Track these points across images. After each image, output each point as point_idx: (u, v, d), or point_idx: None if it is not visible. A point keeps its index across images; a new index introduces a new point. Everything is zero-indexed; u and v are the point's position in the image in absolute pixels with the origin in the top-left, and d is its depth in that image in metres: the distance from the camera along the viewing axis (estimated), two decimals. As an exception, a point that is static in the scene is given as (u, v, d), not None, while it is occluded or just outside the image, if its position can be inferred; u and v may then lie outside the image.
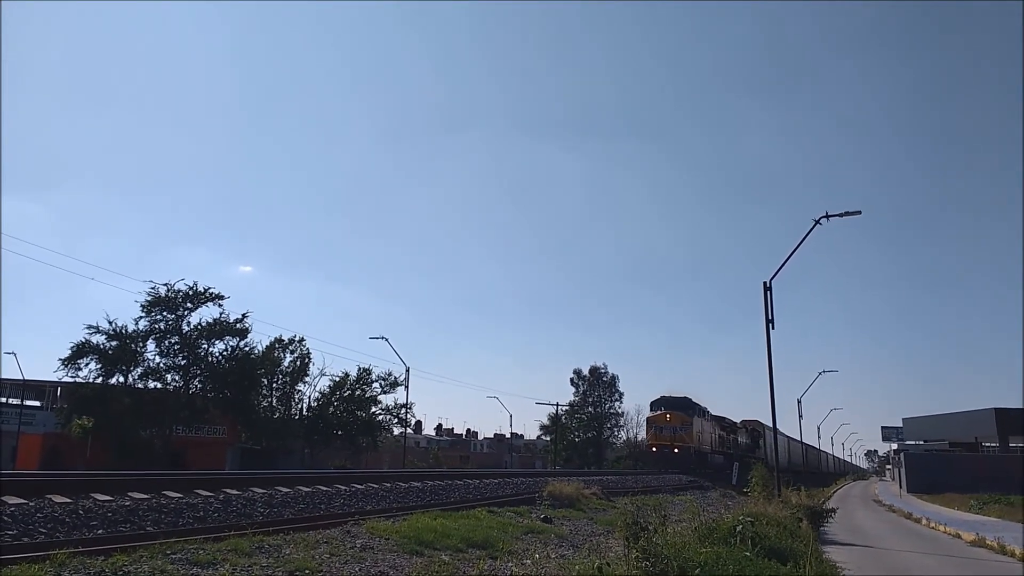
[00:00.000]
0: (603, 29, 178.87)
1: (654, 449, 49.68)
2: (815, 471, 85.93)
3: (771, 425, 53.89)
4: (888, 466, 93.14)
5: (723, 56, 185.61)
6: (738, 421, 65.32)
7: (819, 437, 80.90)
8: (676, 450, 48.18)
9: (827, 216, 21.57)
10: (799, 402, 51.92)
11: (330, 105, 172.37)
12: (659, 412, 51.13)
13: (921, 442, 70.69)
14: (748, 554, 8.95)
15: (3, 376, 44.44)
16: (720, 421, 58.54)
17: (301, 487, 13.08)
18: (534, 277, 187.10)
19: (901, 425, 76.28)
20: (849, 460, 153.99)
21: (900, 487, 51.20)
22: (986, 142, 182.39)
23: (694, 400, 52.13)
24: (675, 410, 50.02)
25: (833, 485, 66.60)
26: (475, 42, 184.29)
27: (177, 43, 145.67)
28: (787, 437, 64.06)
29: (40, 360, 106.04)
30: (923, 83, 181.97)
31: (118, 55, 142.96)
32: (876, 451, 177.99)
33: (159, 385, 37.97)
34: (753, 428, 66.46)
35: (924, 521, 25.25)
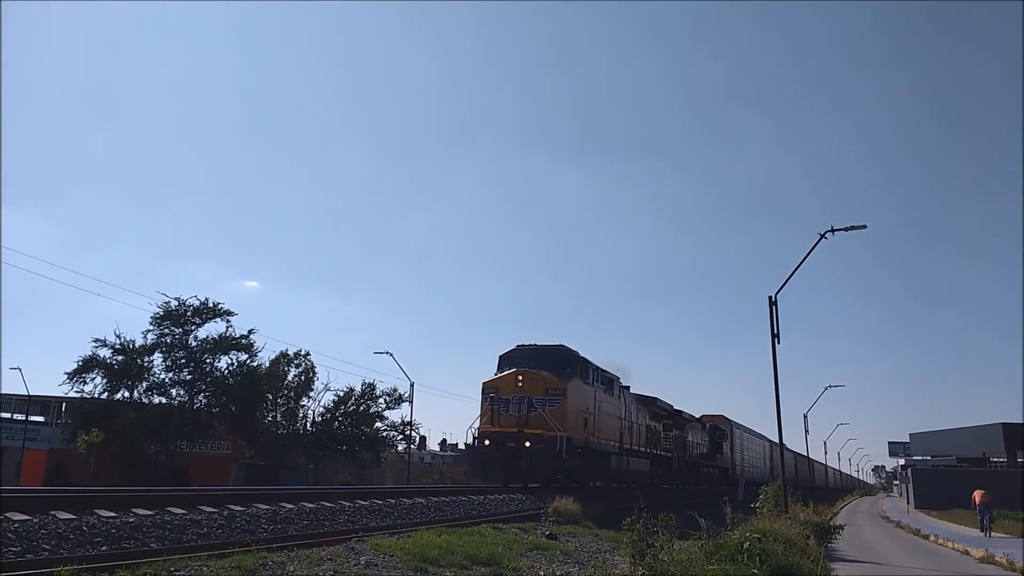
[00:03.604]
0: (609, 45, 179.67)
1: (487, 443, 23.87)
2: (821, 487, 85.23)
3: (737, 422, 52.77)
4: (895, 482, 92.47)
5: (728, 72, 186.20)
6: (698, 415, 46.46)
7: (826, 452, 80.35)
8: (528, 443, 23.24)
9: (832, 230, 21.51)
10: (805, 417, 51.63)
11: (337, 120, 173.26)
12: (505, 373, 24.91)
13: (928, 457, 70.22)
14: (755, 572, 8.88)
15: (8, 392, 44.55)
16: (649, 403, 34.43)
17: (305, 503, 13.02)
18: (539, 291, 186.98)
19: (908, 440, 75.89)
20: (856, 476, 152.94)
21: (908, 503, 50.77)
22: (993, 156, 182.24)
23: (583, 356, 26.33)
24: (537, 367, 24.65)
25: (840, 501, 65.90)
26: (482, 58, 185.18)
27: (183, 57, 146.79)
28: (793, 453, 63.15)
29: (44, 375, 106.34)
30: (928, 99, 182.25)
31: (124, 68, 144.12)
32: (883, 466, 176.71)
33: (164, 400, 37.95)
34: (714, 425, 48.80)
35: (932, 538, 25.04)
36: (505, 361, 25.44)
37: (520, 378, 23.75)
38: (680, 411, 39.59)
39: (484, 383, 24.50)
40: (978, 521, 26.96)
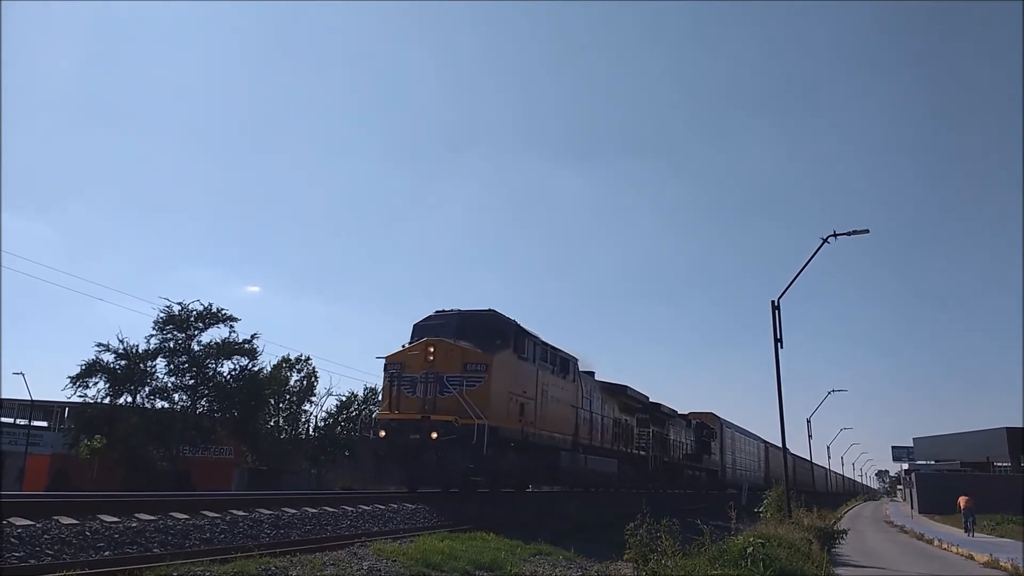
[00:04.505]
0: (609, 48, 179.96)
1: (382, 434, 17.91)
2: (823, 491, 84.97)
3: (728, 421, 51.87)
4: (899, 486, 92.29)
5: (728, 73, 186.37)
6: (685, 412, 42.12)
7: (829, 457, 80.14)
8: (434, 434, 17.05)
9: (835, 235, 21.51)
10: (808, 422, 51.45)
11: (337, 123, 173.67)
12: (415, 344, 19.15)
13: (932, 462, 70.06)
14: (759, 576, 8.86)
15: (11, 396, 44.58)
16: (617, 393, 29.32)
17: (307, 508, 13.00)
18: (539, 293, 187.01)
19: (912, 445, 75.79)
20: (859, 480, 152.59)
21: (911, 507, 50.63)
22: (994, 158, 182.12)
23: (524, 326, 20.75)
24: (457, 337, 18.93)
25: (843, 506, 65.71)
26: (482, 61, 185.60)
27: (185, 59, 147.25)
28: (794, 457, 62.74)
29: (47, 380, 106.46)
30: (929, 100, 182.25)
31: (125, 70, 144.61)
32: (887, 471, 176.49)
33: (166, 405, 37.97)
34: (701, 423, 44.50)
35: (936, 542, 24.98)
36: (419, 331, 19.64)
37: (431, 350, 17.90)
38: (659, 404, 34.47)
39: (386, 358, 18.83)
40: (963, 523, 29.91)
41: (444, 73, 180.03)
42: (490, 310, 20.17)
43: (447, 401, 17.36)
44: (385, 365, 18.84)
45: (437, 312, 20.31)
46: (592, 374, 27.52)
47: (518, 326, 20.21)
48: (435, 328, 19.36)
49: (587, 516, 19.70)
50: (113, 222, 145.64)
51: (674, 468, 37.12)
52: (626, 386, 29.99)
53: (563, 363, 23.29)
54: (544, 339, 22.13)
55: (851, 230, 21.56)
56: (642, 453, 31.59)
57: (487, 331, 19.41)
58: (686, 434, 40.48)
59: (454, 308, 20.19)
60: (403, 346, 19.11)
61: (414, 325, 20.17)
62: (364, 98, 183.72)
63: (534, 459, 20.86)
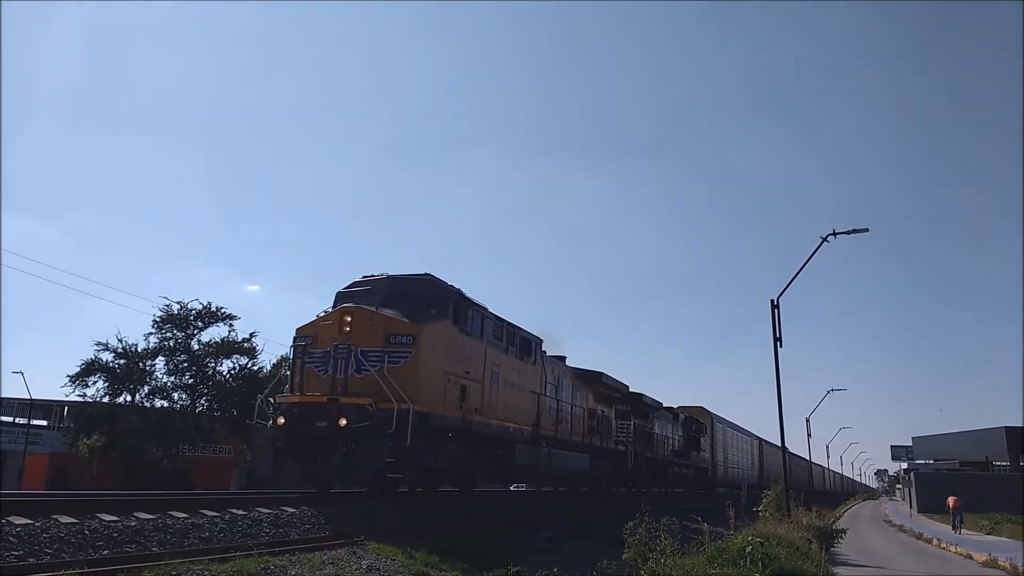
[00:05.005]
0: (619, 48, 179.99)
1: (280, 421, 14.31)
2: (821, 490, 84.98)
3: (720, 416, 51.07)
4: (898, 485, 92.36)
5: (738, 74, 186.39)
6: (673, 405, 39.37)
7: (828, 456, 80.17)
8: (343, 421, 13.52)
9: (834, 234, 21.49)
10: (807, 421, 51.47)
11: (340, 121, 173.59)
12: (330, 312, 15.78)
13: (931, 461, 70.11)
14: (758, 575, 8.86)
15: (10, 395, 44.57)
16: (591, 380, 26.42)
17: (306, 507, 13.00)
18: (549, 291, 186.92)
19: (911, 444, 75.85)
20: (858, 479, 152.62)
21: (910, 507, 50.66)
22: (994, 160, 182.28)
23: (468, 296, 17.24)
24: (379, 305, 15.35)
25: (842, 505, 65.75)
26: (492, 60, 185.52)
27: (187, 59, 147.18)
28: (792, 455, 62.68)
29: (46, 379, 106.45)
30: (936, 99, 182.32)
31: (126, 70, 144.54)
32: (886, 470, 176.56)
33: (166, 404, 37.99)
34: (690, 417, 41.51)
35: (935, 542, 25.00)
36: (341, 299, 16.40)
37: (347, 319, 14.69)
38: (640, 394, 31.34)
39: (297, 330, 15.52)
40: (951, 521, 32.28)
41: (452, 72, 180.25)
42: (426, 274, 16.62)
43: (364, 381, 14.10)
44: (295, 338, 15.41)
45: (364, 277, 16.75)
46: (563, 359, 24.82)
47: (460, 294, 16.75)
48: (359, 296, 15.96)
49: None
50: (114, 221, 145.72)
51: (658, 465, 34.41)
52: (601, 372, 26.83)
53: (524, 343, 20.17)
54: (498, 314, 18.65)
55: (850, 229, 21.56)
56: (621, 448, 28.70)
57: (421, 299, 15.96)
58: (673, 428, 37.55)
59: (384, 273, 16.63)
60: (319, 316, 15.63)
61: (336, 293, 16.78)
62: (369, 96, 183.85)
63: (482, 453, 17.73)
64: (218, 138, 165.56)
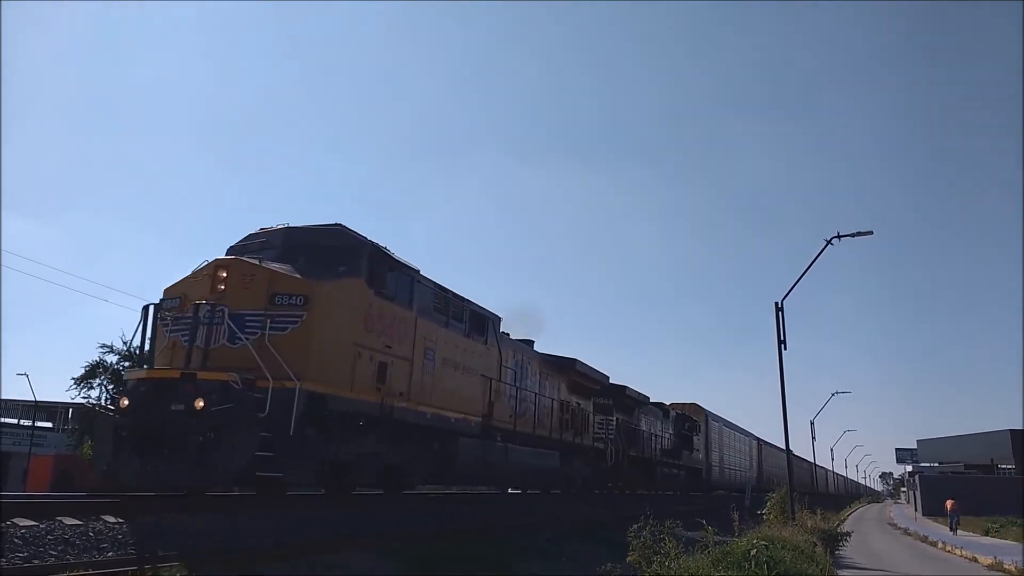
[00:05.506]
0: (631, 49, 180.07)
1: (124, 403, 10.62)
2: (823, 493, 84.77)
3: (715, 414, 50.46)
4: (903, 488, 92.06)
5: (736, 78, 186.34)
6: (667, 403, 37.32)
7: (832, 459, 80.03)
8: (200, 402, 10.01)
9: (839, 236, 21.47)
10: (812, 424, 51.34)
11: (341, 123, 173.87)
12: (204, 266, 11.93)
13: (936, 464, 69.87)
14: (762, 578, 8.84)
15: (15, 397, 44.68)
16: (564, 368, 23.38)
17: (312, 507, 12.99)
18: (554, 291, 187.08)
19: (916, 447, 75.62)
20: (863, 482, 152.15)
21: (915, 510, 50.52)
22: (995, 162, 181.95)
23: (389, 252, 13.60)
24: (278, 260, 12.08)
25: (847, 508, 65.60)
26: (503, 62, 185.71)
27: (187, 62, 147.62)
28: (796, 457, 62.39)
29: (51, 381, 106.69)
30: (932, 104, 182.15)
31: (127, 72, 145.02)
32: (891, 473, 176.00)
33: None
34: (682, 415, 39.04)
35: (940, 544, 24.93)
36: (234, 253, 12.82)
37: (223, 275, 11.48)
38: (624, 387, 28.60)
39: (164, 291, 12.33)
40: (948, 523, 34.18)
41: (463, 71, 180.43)
42: (336, 224, 13.33)
43: (239, 352, 10.90)
44: (160, 301, 12.17)
45: (261, 230, 13.50)
46: (531, 343, 22.20)
47: (378, 248, 13.36)
48: (252, 250, 12.62)
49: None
50: (118, 223, 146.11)
51: (645, 465, 31.75)
52: (575, 359, 23.66)
53: (475, 319, 17.04)
54: (438, 281, 15.45)
55: (854, 232, 21.54)
56: (600, 445, 25.87)
57: (328, 253, 12.65)
58: (663, 426, 34.78)
59: (286, 223, 13.43)
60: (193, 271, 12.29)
61: (228, 248, 13.23)
62: (369, 97, 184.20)
63: (413, 446, 14.43)
64: (221, 138, 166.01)
